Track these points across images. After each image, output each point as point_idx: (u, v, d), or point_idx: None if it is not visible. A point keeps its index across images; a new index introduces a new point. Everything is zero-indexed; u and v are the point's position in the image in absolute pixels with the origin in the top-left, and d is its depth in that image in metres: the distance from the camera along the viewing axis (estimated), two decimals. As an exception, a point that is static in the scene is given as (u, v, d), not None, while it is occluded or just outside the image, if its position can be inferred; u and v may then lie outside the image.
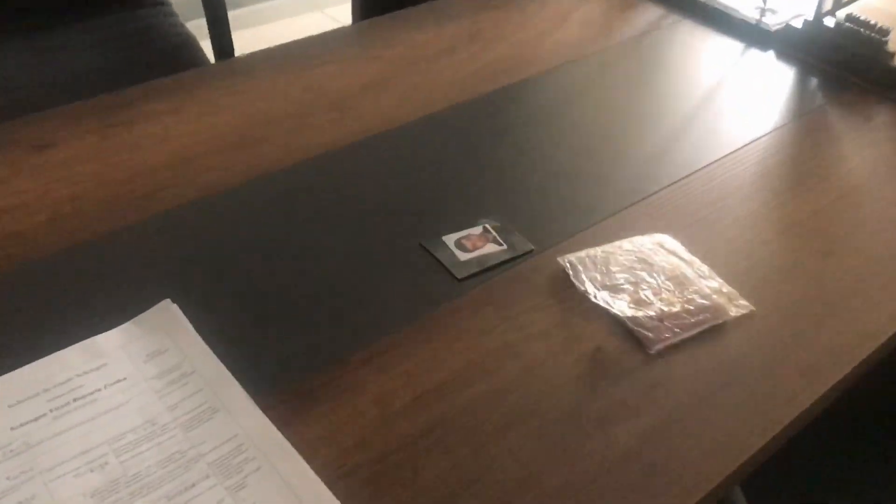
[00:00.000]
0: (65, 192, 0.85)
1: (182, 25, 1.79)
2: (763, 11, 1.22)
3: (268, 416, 0.63)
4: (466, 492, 0.60)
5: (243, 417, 0.62)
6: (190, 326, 0.68)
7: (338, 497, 0.58)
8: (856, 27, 1.12)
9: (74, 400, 0.63)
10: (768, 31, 1.20)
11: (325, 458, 0.61)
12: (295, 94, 1.03)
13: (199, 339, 0.67)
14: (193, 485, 0.58)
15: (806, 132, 1.02)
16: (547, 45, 1.18)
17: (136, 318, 0.69)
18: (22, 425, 0.60)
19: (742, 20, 1.22)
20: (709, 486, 0.62)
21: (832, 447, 0.98)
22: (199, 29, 1.82)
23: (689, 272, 0.78)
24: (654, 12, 1.29)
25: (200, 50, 1.70)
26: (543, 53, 1.16)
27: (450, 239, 0.81)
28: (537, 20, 1.25)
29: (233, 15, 1.74)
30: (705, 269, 0.79)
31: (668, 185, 0.91)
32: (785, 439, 0.68)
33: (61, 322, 0.70)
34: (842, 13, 1.14)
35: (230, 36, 1.75)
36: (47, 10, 1.73)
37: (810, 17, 1.16)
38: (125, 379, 0.64)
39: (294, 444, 0.61)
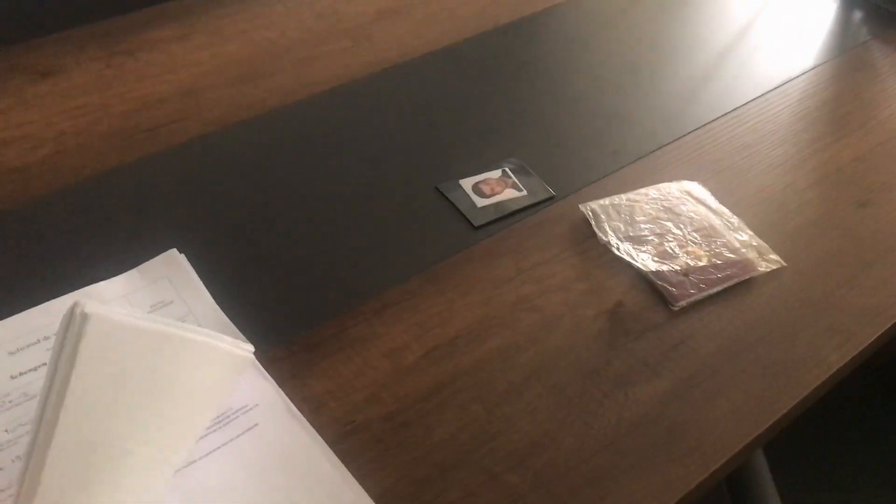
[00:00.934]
0: (69, 125, 0.82)
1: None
2: (807, -63, 1.15)
3: (274, 368, 0.61)
4: (479, 451, 0.58)
5: (245, 376, 0.60)
6: (196, 277, 0.66)
7: (344, 455, 0.56)
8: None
9: (74, 350, 0.61)
10: (812, -42, 1.12)
11: (333, 414, 0.59)
12: (308, 22, 0.98)
13: (204, 291, 0.65)
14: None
15: (847, 71, 0.96)
16: (575, -30, 1.12)
17: (140, 267, 0.67)
18: (21, 374, 0.59)
19: (784, -54, 1.15)
20: (730, 453, 0.59)
21: (860, 412, 0.96)
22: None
23: (717, 223, 0.74)
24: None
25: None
26: (571, -20, 1.10)
27: (467, 183, 0.77)
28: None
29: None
30: (735, 220, 0.75)
31: (699, 128, 0.87)
32: (813, 402, 0.65)
33: (62, 266, 0.67)
34: (893, -60, 1.07)
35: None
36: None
37: (858, -56, 1.09)
38: (127, 329, 0.62)
39: (301, 399, 0.59)
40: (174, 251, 0.68)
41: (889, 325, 0.68)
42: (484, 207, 0.75)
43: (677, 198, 0.76)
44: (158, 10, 0.98)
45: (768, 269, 0.71)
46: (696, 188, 0.78)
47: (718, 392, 0.62)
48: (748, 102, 0.90)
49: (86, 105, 0.85)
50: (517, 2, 1.04)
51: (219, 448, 0.56)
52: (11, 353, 0.60)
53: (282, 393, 0.59)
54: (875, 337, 0.67)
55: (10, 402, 0.57)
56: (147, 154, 0.79)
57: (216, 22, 0.97)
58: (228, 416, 0.57)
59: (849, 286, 0.71)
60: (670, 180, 0.79)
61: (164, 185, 0.76)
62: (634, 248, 0.71)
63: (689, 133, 0.86)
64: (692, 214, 0.74)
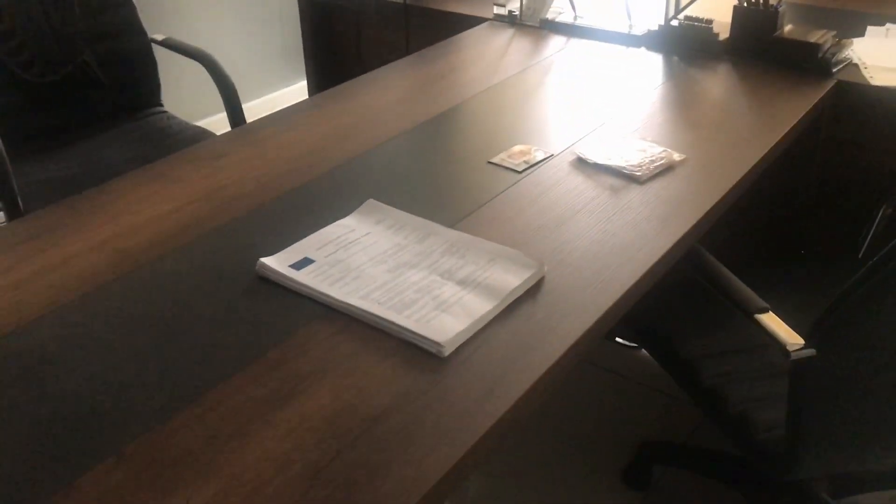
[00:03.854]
0: (252, 174, 1.33)
1: (186, 123, 2.27)
2: (630, 25, 1.86)
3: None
4: (561, 255, 1.11)
5: (446, 234, 1.12)
6: (390, 207, 1.18)
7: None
8: (691, 23, 1.77)
9: (348, 243, 1.10)
10: (637, 35, 1.83)
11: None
12: (358, 111, 1.55)
13: (399, 210, 1.17)
14: (436, 260, 1.06)
15: (682, 83, 1.64)
16: (498, 67, 1.76)
17: (358, 209, 1.18)
18: (328, 255, 1.07)
19: (618, 32, 1.85)
20: (686, 227, 1.16)
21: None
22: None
23: (647, 146, 1.34)
24: (560, 39, 1.90)
25: (216, 136, 2.16)
26: (497, 72, 1.73)
27: (504, 154, 1.34)
28: (485, 56, 1.83)
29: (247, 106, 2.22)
30: (655, 144, 1.35)
31: (613, 117, 1.49)
32: (716, 215, 1.23)
33: (313, 219, 1.17)
34: (681, 16, 1.79)
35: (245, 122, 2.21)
36: (86, 125, 2.17)
37: (662, 22, 1.80)
38: (369, 233, 1.13)
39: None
40: (371, 199, 1.19)
41: (738, 178, 1.28)
42: (519, 163, 1.32)
43: (623, 140, 1.36)
44: (266, 119, 1.52)
45: (679, 159, 1.31)
46: (634, 140, 1.38)
47: (668, 211, 1.20)
48: (633, 102, 1.54)
49: (253, 166, 1.35)
50: (469, 86, 1.66)
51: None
52: (317, 249, 1.09)
53: (471, 236, 1.11)
54: (737, 180, 1.27)
55: (330, 263, 1.05)
56: (308, 179, 1.30)
57: (296, 122, 1.52)
58: (452, 251, 1.08)
59: (717, 163, 1.32)
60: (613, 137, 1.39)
61: (335, 184, 1.27)
62: (611, 161, 1.29)
63: (602, 126, 1.47)
64: (636, 145, 1.34)
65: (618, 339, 2.05)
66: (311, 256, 1.07)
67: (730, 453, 1.53)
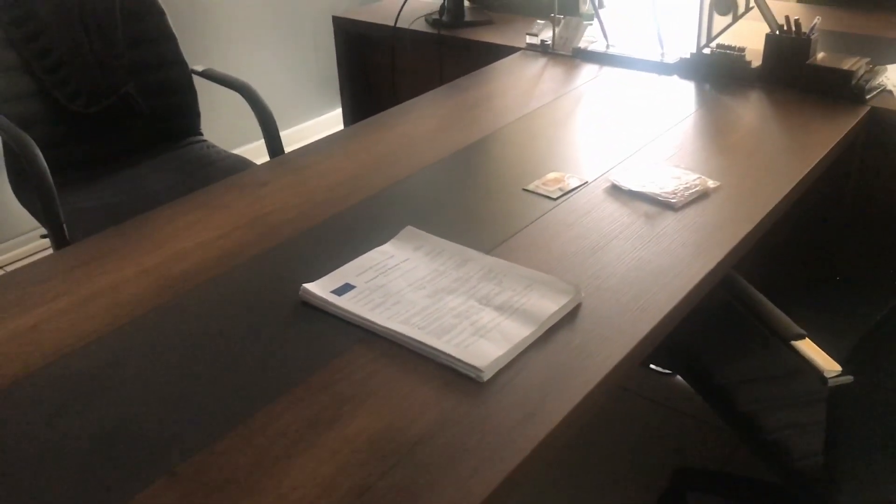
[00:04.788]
0: (294, 201, 1.36)
1: (225, 151, 2.32)
2: (662, 54, 1.88)
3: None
4: (598, 281, 1.12)
5: (483, 260, 1.14)
6: (428, 234, 1.20)
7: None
8: (723, 50, 1.79)
9: (387, 269, 1.13)
10: (669, 63, 1.85)
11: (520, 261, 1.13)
12: (394, 140, 1.58)
13: (434, 237, 1.19)
14: (474, 286, 1.08)
15: (713, 110, 1.65)
16: (531, 96, 1.79)
17: (396, 236, 1.20)
18: (369, 280, 1.10)
19: (650, 60, 1.88)
20: (722, 254, 1.17)
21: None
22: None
23: (681, 173, 1.36)
24: (593, 68, 1.93)
25: (255, 164, 2.21)
26: (530, 100, 1.76)
27: (538, 181, 1.36)
28: (519, 85, 1.86)
29: (283, 134, 2.26)
30: (689, 171, 1.37)
31: (646, 144, 1.50)
32: (751, 242, 1.24)
33: (356, 244, 1.20)
34: (714, 44, 1.81)
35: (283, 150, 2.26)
36: (129, 154, 2.23)
37: (694, 50, 1.82)
38: (408, 259, 1.15)
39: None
40: (409, 226, 1.22)
41: (773, 206, 1.29)
42: (553, 190, 1.34)
43: (657, 167, 1.38)
44: (308, 147, 1.56)
45: (714, 186, 1.32)
46: (668, 166, 1.40)
47: (701, 238, 1.21)
48: (669, 129, 1.56)
49: (294, 194, 1.39)
50: (503, 115, 1.69)
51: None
52: (358, 275, 1.11)
53: (507, 262, 1.13)
54: (771, 208, 1.28)
55: (371, 288, 1.08)
56: (347, 207, 1.33)
57: (347, 148, 1.55)
58: (488, 276, 1.10)
59: (753, 189, 1.33)
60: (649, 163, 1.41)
61: (374, 211, 1.30)
62: (646, 188, 1.31)
63: (639, 150, 1.49)
64: (670, 172, 1.36)
65: (652, 366, 2.05)
66: (352, 282, 1.10)
67: (766, 481, 1.52)
